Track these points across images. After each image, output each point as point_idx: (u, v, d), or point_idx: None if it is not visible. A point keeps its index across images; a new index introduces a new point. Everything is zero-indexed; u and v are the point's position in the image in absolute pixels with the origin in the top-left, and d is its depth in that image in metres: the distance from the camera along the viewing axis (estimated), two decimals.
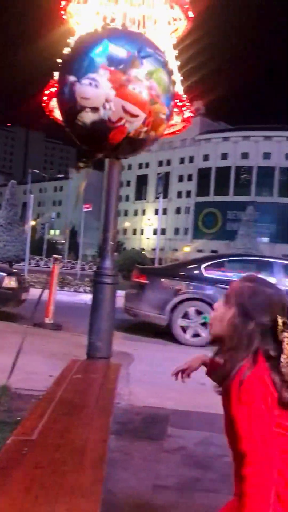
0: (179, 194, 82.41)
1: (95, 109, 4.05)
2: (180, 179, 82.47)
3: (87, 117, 4.08)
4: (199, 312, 7.52)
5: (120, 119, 4.04)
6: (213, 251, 58.24)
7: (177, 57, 5.71)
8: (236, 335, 1.31)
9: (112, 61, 4.06)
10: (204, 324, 7.46)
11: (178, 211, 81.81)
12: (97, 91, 4.00)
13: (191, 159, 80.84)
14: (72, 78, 4.10)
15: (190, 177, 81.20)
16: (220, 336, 1.38)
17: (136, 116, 4.10)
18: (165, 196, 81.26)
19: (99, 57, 4.07)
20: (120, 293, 8.29)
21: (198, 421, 3.74)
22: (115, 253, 8.08)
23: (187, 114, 5.25)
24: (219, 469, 2.88)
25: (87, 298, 7.75)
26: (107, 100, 4.00)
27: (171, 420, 3.67)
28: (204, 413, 3.96)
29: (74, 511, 1.50)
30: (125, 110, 4.03)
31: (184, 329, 7.49)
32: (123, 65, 4.04)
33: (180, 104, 4.92)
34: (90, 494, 1.63)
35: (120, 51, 4.09)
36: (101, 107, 4.03)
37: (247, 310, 1.32)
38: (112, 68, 4.02)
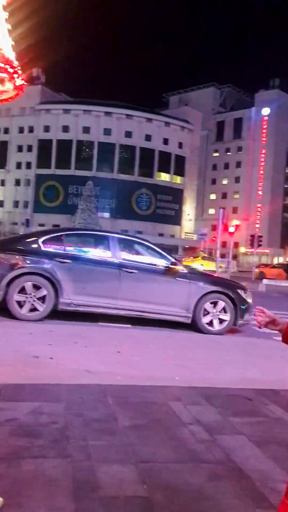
0: (19, 165, 79.02)
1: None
2: (20, 149, 78.99)
3: None
4: (36, 287, 7.46)
5: None
6: (55, 225, 57.73)
7: (7, 20, 5.37)
8: None
9: None
10: (41, 298, 7.45)
11: (17, 182, 78.51)
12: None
13: (31, 129, 77.87)
14: None
15: (30, 148, 78.31)
16: None
17: None
18: (3, 166, 77.35)
19: None
20: None
21: (30, 393, 3.78)
22: None
23: (19, 82, 5.00)
24: (48, 435, 2.98)
25: None
26: None
27: (2, 394, 3.64)
28: (37, 385, 4.02)
29: None
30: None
31: (20, 304, 7.37)
32: None
33: (11, 70, 4.65)
34: None
35: None
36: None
37: None
38: None
